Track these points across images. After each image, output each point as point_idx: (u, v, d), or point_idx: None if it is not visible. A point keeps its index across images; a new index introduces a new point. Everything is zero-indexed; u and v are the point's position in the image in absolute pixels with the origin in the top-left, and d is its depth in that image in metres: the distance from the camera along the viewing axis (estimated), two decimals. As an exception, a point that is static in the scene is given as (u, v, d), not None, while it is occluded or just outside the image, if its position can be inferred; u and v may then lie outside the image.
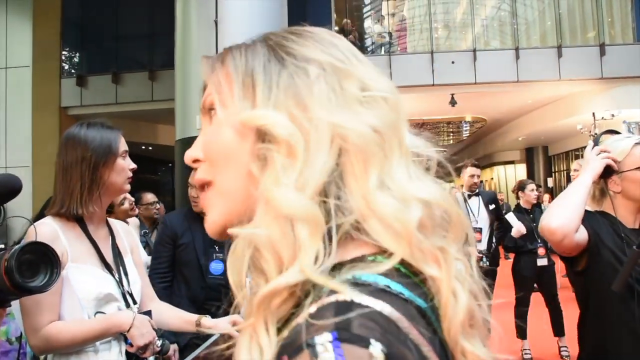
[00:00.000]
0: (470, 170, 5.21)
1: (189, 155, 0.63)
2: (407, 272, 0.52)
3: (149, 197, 5.01)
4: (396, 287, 0.49)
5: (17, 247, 0.96)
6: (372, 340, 0.42)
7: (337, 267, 0.51)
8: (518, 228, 5.13)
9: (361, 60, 0.61)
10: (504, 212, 5.88)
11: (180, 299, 2.66)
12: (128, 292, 1.71)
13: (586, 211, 1.74)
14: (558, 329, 5.21)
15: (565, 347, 5.14)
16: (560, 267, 6.23)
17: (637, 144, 1.79)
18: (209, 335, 1.79)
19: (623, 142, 1.81)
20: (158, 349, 1.65)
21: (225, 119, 0.59)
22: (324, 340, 0.42)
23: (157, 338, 1.64)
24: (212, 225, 0.61)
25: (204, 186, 0.62)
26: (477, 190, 5.33)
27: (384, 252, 0.53)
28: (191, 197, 2.80)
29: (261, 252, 0.51)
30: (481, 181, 5.74)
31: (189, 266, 2.72)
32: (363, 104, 0.56)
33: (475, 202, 5.27)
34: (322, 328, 0.43)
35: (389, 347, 0.42)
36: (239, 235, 0.53)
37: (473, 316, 0.55)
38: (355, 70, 0.59)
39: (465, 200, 5.21)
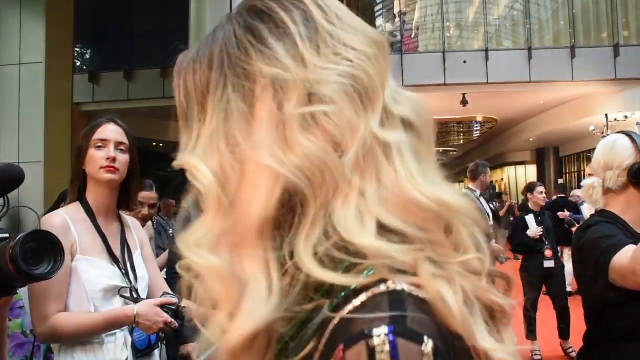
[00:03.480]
0: (489, 171, 5.27)
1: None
2: None
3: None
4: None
5: (21, 235, 0.99)
6: (425, 338, 0.42)
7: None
8: (534, 231, 5.23)
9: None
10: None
11: None
12: (134, 287, 1.72)
13: (598, 220, 1.70)
14: (563, 332, 5.20)
15: (571, 347, 5.12)
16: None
17: None
18: None
19: None
20: (176, 325, 1.63)
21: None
22: (381, 333, 0.42)
23: (171, 319, 1.61)
24: None
25: None
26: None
27: None
28: None
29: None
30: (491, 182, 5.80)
31: None
32: (303, 125, 0.50)
33: (484, 202, 5.29)
34: (379, 320, 0.43)
35: (438, 342, 0.42)
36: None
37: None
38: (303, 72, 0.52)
39: (478, 200, 5.23)
